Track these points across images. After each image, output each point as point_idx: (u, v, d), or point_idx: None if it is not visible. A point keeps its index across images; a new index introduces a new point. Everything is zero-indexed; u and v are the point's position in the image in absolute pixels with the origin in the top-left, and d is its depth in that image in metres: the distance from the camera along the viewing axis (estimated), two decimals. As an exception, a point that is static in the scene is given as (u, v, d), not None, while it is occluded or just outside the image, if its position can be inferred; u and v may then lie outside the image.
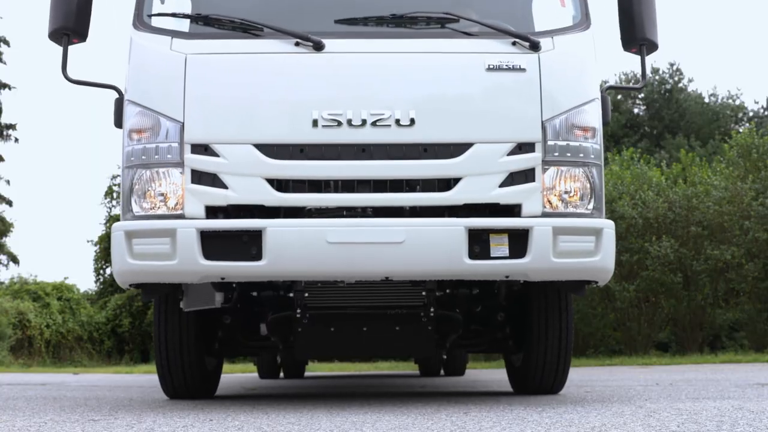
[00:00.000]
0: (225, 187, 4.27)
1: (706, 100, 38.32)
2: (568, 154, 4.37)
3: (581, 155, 4.39)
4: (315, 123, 4.29)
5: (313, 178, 4.30)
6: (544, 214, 4.30)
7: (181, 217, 4.25)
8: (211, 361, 5.59)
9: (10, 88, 31.71)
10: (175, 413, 4.16)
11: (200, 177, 4.29)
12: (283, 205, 4.30)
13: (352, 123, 4.29)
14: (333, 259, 4.17)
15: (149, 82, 4.44)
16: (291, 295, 4.86)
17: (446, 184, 4.32)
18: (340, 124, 4.30)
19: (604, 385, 6.98)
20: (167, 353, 5.19)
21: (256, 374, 11.57)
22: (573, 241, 4.26)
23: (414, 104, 4.34)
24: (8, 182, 31.81)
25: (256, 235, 4.16)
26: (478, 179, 4.31)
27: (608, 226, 4.37)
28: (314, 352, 5.68)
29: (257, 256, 4.16)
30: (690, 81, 38.28)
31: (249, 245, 4.17)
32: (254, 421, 3.68)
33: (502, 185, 4.31)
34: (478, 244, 4.19)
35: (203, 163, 4.29)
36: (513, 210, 4.33)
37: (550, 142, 4.35)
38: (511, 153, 4.33)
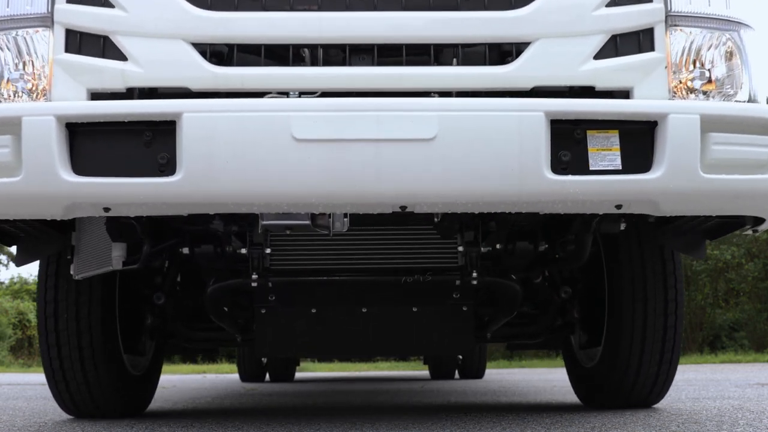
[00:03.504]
0: (123, 58, 2.53)
1: (706, 100, 38.47)
2: (708, 9, 2.68)
3: (727, 10, 2.72)
4: None
5: (274, 42, 2.57)
6: None
7: None
8: (138, 361, 3.84)
9: (10, 89, 31.77)
10: (176, 413, 4.16)
11: (81, 42, 2.57)
12: (222, 88, 2.53)
13: None
14: (304, 170, 2.34)
15: None
16: (244, 251, 3.29)
17: (503, 53, 2.61)
18: None
19: (604, 385, 6.97)
20: (58, 350, 3.47)
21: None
22: (735, 143, 2.49)
23: None
24: (8, 182, 31.91)
25: (167, 130, 2.38)
26: (557, 45, 2.56)
27: None
28: (284, 347, 3.76)
29: (168, 168, 2.37)
30: (690, 81, 38.45)
31: (154, 147, 2.39)
32: (254, 421, 3.68)
33: (597, 56, 2.57)
34: (568, 147, 2.43)
35: (87, 17, 2.56)
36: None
37: None
38: (613, 2, 2.61)
